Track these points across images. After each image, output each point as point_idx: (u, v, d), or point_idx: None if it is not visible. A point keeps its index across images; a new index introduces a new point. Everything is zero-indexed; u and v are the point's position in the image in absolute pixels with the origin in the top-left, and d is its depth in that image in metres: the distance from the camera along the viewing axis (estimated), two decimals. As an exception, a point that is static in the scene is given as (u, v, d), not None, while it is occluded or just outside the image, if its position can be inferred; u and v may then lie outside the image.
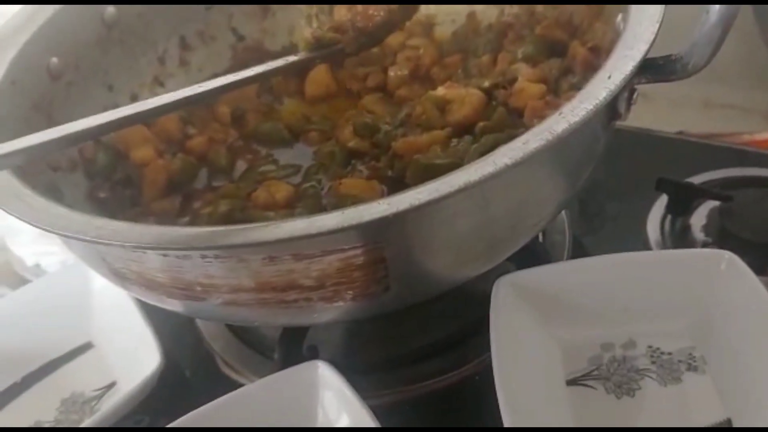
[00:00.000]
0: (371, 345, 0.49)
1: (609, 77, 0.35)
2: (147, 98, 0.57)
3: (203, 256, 0.33)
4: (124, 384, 0.48)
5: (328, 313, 0.38)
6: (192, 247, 0.31)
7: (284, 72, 0.53)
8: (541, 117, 0.44)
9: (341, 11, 0.58)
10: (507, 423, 0.37)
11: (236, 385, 0.47)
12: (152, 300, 0.40)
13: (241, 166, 0.53)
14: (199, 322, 0.54)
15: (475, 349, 0.47)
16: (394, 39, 0.61)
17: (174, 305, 0.39)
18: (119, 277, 0.38)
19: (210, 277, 0.35)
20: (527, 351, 0.43)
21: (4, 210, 0.35)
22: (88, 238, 0.32)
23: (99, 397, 0.49)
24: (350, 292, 0.35)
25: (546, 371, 0.43)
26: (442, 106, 0.51)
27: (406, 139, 0.48)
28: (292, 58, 0.52)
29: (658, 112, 0.70)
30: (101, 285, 0.52)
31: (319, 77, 0.60)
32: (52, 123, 0.50)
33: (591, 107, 0.33)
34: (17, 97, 0.47)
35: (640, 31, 0.37)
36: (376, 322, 0.48)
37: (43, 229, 0.33)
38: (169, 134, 0.54)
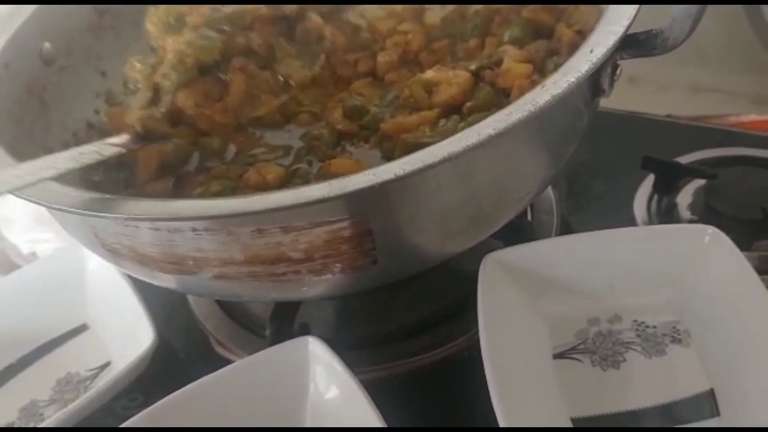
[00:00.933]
0: (361, 322, 0.49)
1: (591, 51, 0.36)
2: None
3: (194, 230, 0.34)
4: (119, 363, 0.49)
5: (317, 286, 0.38)
6: (181, 218, 0.32)
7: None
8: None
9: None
10: (494, 396, 0.37)
11: (229, 364, 0.48)
12: (145, 276, 0.41)
13: (232, 149, 0.53)
14: (191, 302, 0.54)
15: (463, 325, 0.48)
16: (383, 24, 0.62)
17: (166, 280, 0.40)
18: (112, 253, 0.38)
19: (201, 250, 0.35)
20: (514, 326, 0.43)
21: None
22: (79, 211, 0.32)
23: (93, 377, 0.49)
24: (338, 265, 0.36)
25: (533, 346, 0.44)
26: (430, 88, 0.51)
27: (395, 120, 0.49)
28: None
29: (646, 96, 0.71)
30: (95, 267, 0.53)
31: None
32: (44, 107, 0.51)
33: (573, 80, 0.34)
34: (10, 80, 0.48)
35: (622, 8, 0.37)
36: (366, 300, 0.49)
37: (36, 203, 0.34)
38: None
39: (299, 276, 0.37)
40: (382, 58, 0.59)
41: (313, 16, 0.58)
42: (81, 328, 0.53)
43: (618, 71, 0.39)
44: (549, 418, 0.39)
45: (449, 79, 0.50)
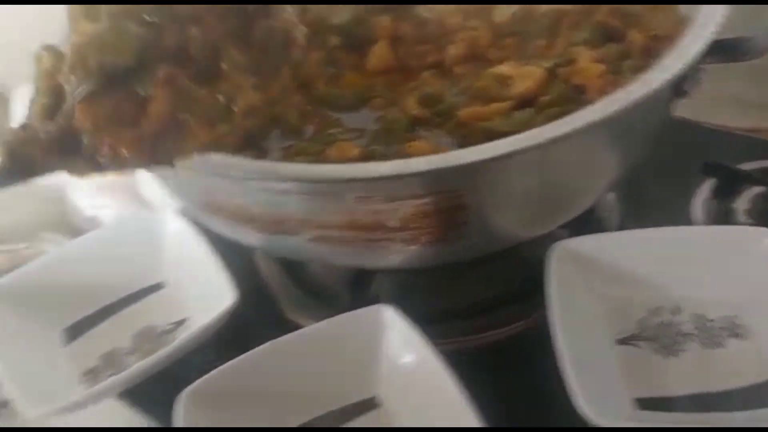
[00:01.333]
0: (429, 298, 0.52)
1: (680, 55, 0.38)
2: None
3: (305, 192, 0.36)
4: (196, 320, 0.51)
5: (404, 255, 0.41)
6: (301, 179, 0.34)
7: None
8: (606, 94, 0.48)
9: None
10: (569, 374, 0.40)
11: (298, 328, 0.50)
12: (238, 234, 0.43)
13: (309, 129, 0.55)
14: (261, 268, 0.57)
15: (526, 308, 0.50)
16: (452, 19, 0.64)
17: (259, 240, 0.42)
18: (216, 210, 0.41)
19: (306, 212, 0.38)
20: (580, 311, 0.46)
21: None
22: (212, 168, 0.35)
23: (171, 331, 0.52)
24: (429, 236, 0.39)
25: (597, 330, 0.46)
26: (503, 81, 0.54)
27: (471, 109, 0.51)
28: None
29: (698, 108, 0.73)
30: (173, 230, 0.55)
31: (381, 52, 0.63)
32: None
33: (666, 79, 0.36)
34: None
35: (710, 12, 0.40)
36: (435, 276, 0.51)
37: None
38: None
39: (391, 244, 0.39)
40: (452, 51, 0.62)
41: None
42: (157, 287, 0.55)
43: (700, 75, 0.41)
44: (615, 397, 0.42)
45: (523, 74, 0.53)
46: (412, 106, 0.53)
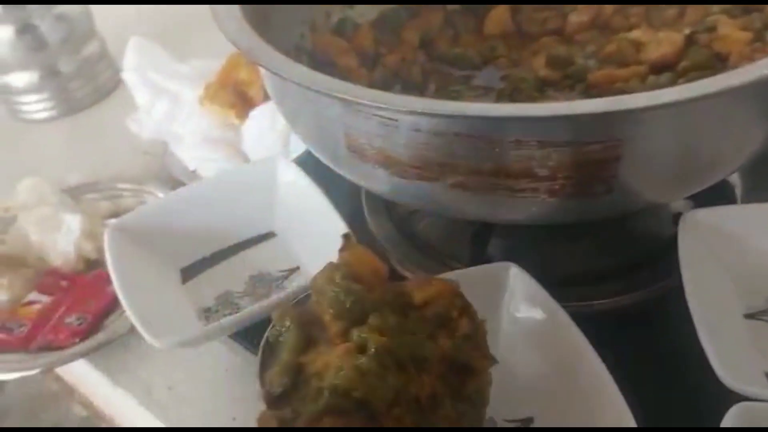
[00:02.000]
0: (544, 262, 0.51)
1: None
2: (338, 17, 0.61)
3: (456, 134, 0.36)
4: (308, 269, 0.52)
5: (542, 209, 0.40)
6: (464, 116, 0.34)
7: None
8: (751, 61, 0.46)
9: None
10: (704, 339, 0.39)
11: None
12: (369, 179, 0.43)
13: (431, 87, 0.55)
14: (372, 226, 0.57)
15: (645, 279, 0.49)
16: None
17: (392, 186, 0.42)
18: (353, 152, 0.41)
19: (454, 156, 0.37)
20: (709, 284, 0.45)
21: (284, 76, 0.38)
22: (367, 102, 0.35)
23: (284, 278, 0.52)
24: (575, 188, 0.38)
25: (726, 303, 0.45)
26: (636, 46, 0.52)
27: (605, 71, 0.50)
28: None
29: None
30: (287, 180, 0.56)
31: (499, 16, 0.62)
32: (267, 26, 0.54)
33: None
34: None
35: None
36: (553, 241, 0.50)
37: (316, 91, 0.36)
38: (364, 49, 0.57)
39: (534, 194, 0.39)
40: (574, 18, 0.61)
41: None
42: (269, 235, 0.56)
43: None
44: (748, 367, 0.40)
45: (659, 40, 0.51)
46: (539, 67, 0.53)
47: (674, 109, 0.33)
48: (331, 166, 0.46)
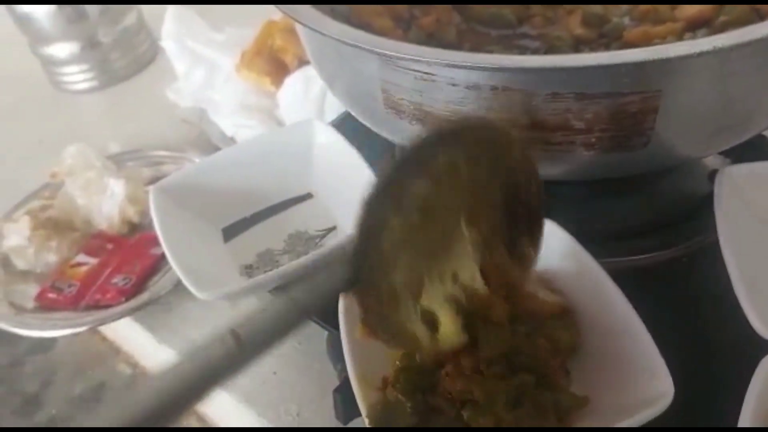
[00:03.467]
0: (576, 219, 0.51)
1: None
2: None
3: (493, 87, 0.37)
4: (345, 229, 0.53)
5: (579, 163, 0.40)
6: (502, 68, 0.34)
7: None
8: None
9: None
10: (739, 290, 0.39)
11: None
12: (405, 136, 0.44)
13: (466, 47, 0.55)
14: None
15: (681, 236, 0.49)
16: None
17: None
18: (390, 108, 0.42)
19: (489, 110, 0.38)
20: (746, 235, 0.45)
21: (323, 32, 0.38)
22: (406, 56, 0.35)
23: (321, 237, 0.54)
24: (612, 141, 0.38)
25: (761, 256, 0.45)
26: (672, 5, 0.52)
27: (640, 29, 0.50)
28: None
29: None
30: (323, 141, 0.57)
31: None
32: None
33: None
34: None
35: None
36: (589, 197, 0.51)
37: (353, 45, 0.37)
38: (398, 12, 0.57)
39: (571, 147, 0.39)
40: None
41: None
42: (306, 196, 0.57)
43: None
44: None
45: None
46: (575, 26, 0.53)
47: (712, 58, 0.33)
48: (368, 124, 0.47)
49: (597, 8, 0.54)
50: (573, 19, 0.54)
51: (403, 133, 0.44)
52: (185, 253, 0.49)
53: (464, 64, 0.35)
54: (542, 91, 0.36)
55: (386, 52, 0.36)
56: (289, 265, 0.48)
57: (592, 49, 0.52)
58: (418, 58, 0.35)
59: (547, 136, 0.38)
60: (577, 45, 0.52)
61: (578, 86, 0.35)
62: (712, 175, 0.48)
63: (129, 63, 0.97)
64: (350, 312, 0.42)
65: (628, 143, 0.38)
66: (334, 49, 0.42)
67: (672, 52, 0.32)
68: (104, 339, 0.70)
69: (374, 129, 0.46)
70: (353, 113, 0.48)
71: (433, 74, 0.38)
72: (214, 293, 0.45)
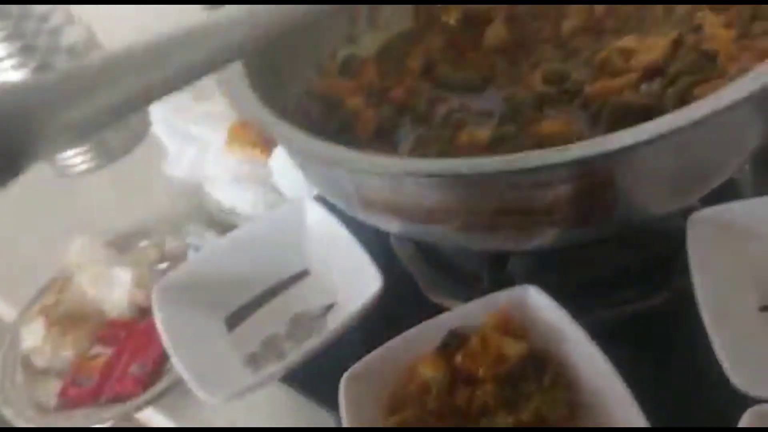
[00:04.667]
0: (565, 272, 0.53)
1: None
2: (343, 53, 0.64)
3: (452, 186, 0.39)
4: (344, 304, 0.55)
5: (548, 237, 0.42)
6: (455, 174, 0.36)
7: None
8: (738, 60, 0.47)
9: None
10: (714, 339, 0.41)
11: (438, 308, 0.53)
12: (383, 224, 0.46)
13: (437, 114, 0.57)
14: (398, 253, 0.60)
15: (665, 278, 0.51)
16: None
17: (404, 228, 0.45)
18: (365, 204, 0.44)
19: (454, 203, 0.40)
20: (722, 280, 0.46)
21: (290, 148, 0.41)
22: (367, 169, 0.37)
23: (322, 316, 0.56)
24: (576, 218, 0.40)
25: (740, 298, 0.46)
26: (627, 55, 0.53)
27: (599, 84, 0.52)
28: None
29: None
30: (315, 219, 0.59)
31: (496, 30, 0.64)
32: (277, 77, 0.56)
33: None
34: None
35: None
36: (571, 251, 0.52)
37: (324, 162, 0.39)
38: (370, 86, 0.60)
39: (537, 227, 0.41)
40: (567, 24, 0.62)
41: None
42: (303, 273, 0.59)
43: None
44: (764, 368, 0.42)
45: (647, 47, 0.52)
46: (536, 84, 0.54)
47: (655, 143, 0.35)
48: (347, 212, 0.49)
49: (555, 66, 0.55)
50: (534, 78, 0.56)
51: (380, 222, 0.46)
52: (190, 353, 0.51)
53: (418, 173, 0.37)
54: (498, 185, 0.38)
55: (348, 166, 0.38)
56: (294, 356, 0.50)
57: (556, 107, 0.53)
58: (377, 171, 0.37)
59: (511, 221, 0.40)
60: (541, 104, 0.54)
61: (531, 179, 0.37)
62: (688, 213, 0.49)
63: (124, 140, 0.99)
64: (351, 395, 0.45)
65: (592, 217, 0.40)
66: (304, 154, 0.44)
67: (611, 145, 0.34)
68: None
69: (352, 215, 0.49)
70: (330, 201, 0.50)
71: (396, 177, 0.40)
72: (222, 395, 0.47)
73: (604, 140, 0.34)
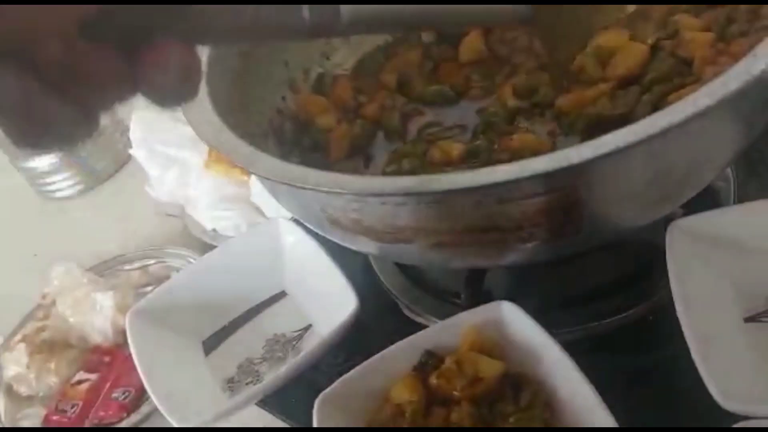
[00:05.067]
0: (538, 289, 0.52)
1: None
2: (316, 72, 0.63)
3: (418, 203, 0.38)
4: (320, 326, 0.54)
5: (519, 253, 0.41)
6: (418, 193, 0.35)
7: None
8: (714, 64, 0.46)
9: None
10: (696, 355, 0.39)
11: (419, 326, 0.52)
12: (354, 244, 0.45)
13: (412, 129, 0.57)
14: (377, 270, 0.59)
15: (642, 292, 0.50)
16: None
17: (375, 248, 0.44)
18: (333, 224, 0.43)
19: (420, 221, 0.39)
20: (704, 291, 0.45)
21: (251, 170, 0.40)
22: (329, 189, 0.36)
23: (298, 338, 0.55)
24: (545, 233, 0.39)
25: (724, 310, 0.45)
26: (604, 58, 0.52)
27: (571, 95, 0.51)
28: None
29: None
30: (291, 241, 0.58)
31: (472, 43, 0.63)
32: (245, 96, 0.56)
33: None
34: (219, 75, 0.53)
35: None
36: (549, 266, 0.51)
37: (285, 183, 0.38)
38: (343, 102, 0.59)
39: (506, 244, 0.40)
40: (541, 36, 0.61)
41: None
42: (280, 295, 0.59)
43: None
44: (746, 379, 0.41)
45: (626, 49, 0.51)
46: (508, 97, 0.54)
47: (625, 152, 0.34)
48: (319, 232, 0.48)
49: (525, 79, 0.54)
50: (507, 90, 0.55)
51: (351, 242, 0.45)
52: (165, 378, 0.50)
53: (382, 192, 0.36)
54: (464, 201, 0.37)
55: (310, 187, 0.37)
56: (270, 380, 0.49)
57: (528, 119, 0.52)
58: (339, 191, 0.36)
59: (480, 237, 0.39)
60: (513, 118, 0.53)
61: (497, 194, 0.36)
62: (668, 223, 0.48)
63: (109, 162, 0.99)
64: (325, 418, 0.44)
65: (561, 232, 0.39)
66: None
67: (575, 158, 0.33)
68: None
69: (325, 236, 0.48)
70: (303, 222, 0.49)
71: (362, 197, 0.39)
72: (196, 421, 0.46)
73: (568, 153, 0.33)
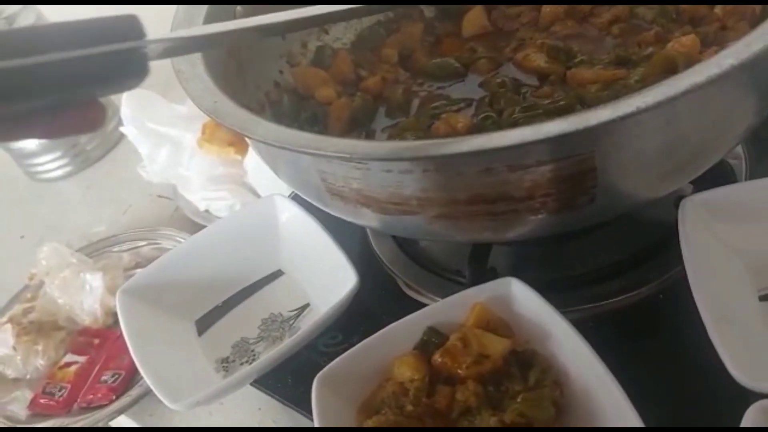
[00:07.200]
0: (543, 267, 0.51)
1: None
2: (315, 45, 0.61)
3: (425, 170, 0.36)
4: (318, 305, 0.52)
5: (527, 227, 0.40)
6: (427, 157, 0.34)
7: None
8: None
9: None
10: (713, 333, 0.38)
11: (419, 305, 0.50)
12: (356, 217, 0.43)
13: (415, 103, 0.55)
14: (376, 249, 0.57)
15: (655, 270, 0.48)
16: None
17: (378, 221, 0.42)
18: (334, 195, 0.41)
19: (426, 190, 0.37)
20: (717, 269, 0.43)
21: (251, 135, 0.38)
22: (331, 153, 0.35)
23: (295, 317, 0.53)
24: (557, 203, 0.37)
25: (737, 286, 0.44)
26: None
27: (577, 71, 0.49)
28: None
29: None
30: (287, 218, 0.56)
31: (475, 17, 0.62)
32: (241, 69, 0.54)
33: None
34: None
35: None
36: (555, 244, 0.50)
37: (285, 148, 0.36)
38: (344, 76, 0.57)
39: (516, 215, 0.38)
40: (546, 9, 0.59)
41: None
42: (277, 274, 0.57)
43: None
44: (764, 355, 0.39)
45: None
46: (535, 59, 0.52)
47: (637, 117, 0.32)
48: (319, 206, 0.46)
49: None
50: (517, 61, 0.53)
51: (353, 215, 0.43)
52: (157, 358, 0.48)
53: (386, 157, 0.34)
54: (473, 168, 0.35)
55: (311, 151, 0.35)
56: (265, 358, 0.47)
57: (534, 93, 0.51)
58: (343, 155, 0.35)
59: (488, 208, 0.38)
60: (519, 88, 0.51)
61: (508, 160, 0.35)
62: (678, 201, 0.46)
63: (99, 144, 0.97)
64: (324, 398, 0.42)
65: (573, 203, 0.37)
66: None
67: (592, 120, 0.31)
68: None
69: (326, 210, 0.46)
70: (303, 197, 0.47)
71: (366, 163, 0.37)
72: (188, 402, 0.45)
73: (585, 115, 0.32)
